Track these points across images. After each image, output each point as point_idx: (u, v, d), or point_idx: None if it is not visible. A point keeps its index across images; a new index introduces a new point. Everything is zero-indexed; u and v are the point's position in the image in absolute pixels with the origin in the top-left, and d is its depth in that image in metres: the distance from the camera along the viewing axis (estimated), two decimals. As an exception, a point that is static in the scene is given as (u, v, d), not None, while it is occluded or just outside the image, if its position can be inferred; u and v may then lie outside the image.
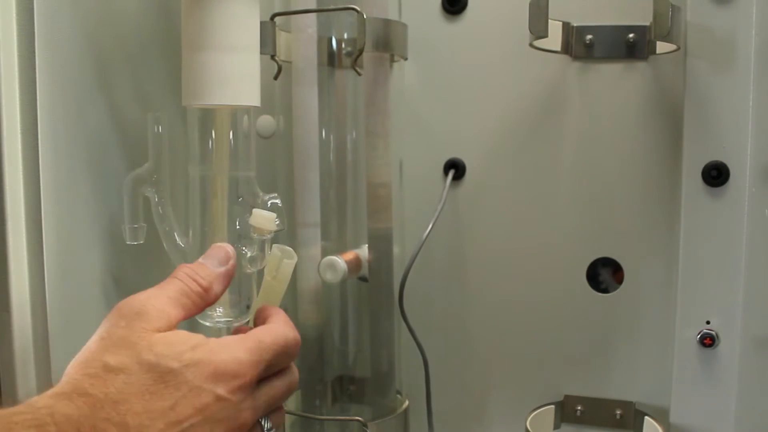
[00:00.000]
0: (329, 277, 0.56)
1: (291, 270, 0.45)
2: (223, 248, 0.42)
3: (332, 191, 0.61)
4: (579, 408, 0.64)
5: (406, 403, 0.61)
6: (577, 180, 0.63)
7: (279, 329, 0.41)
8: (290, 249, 0.47)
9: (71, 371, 0.35)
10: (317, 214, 0.58)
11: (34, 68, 0.40)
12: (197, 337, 0.37)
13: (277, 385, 0.41)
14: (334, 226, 0.61)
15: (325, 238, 0.59)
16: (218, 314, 0.46)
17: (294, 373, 0.43)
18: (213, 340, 0.37)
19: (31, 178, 0.41)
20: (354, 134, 0.61)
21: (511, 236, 0.65)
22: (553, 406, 0.64)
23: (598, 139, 0.62)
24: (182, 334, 0.37)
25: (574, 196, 0.63)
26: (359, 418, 0.57)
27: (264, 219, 0.44)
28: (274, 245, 0.46)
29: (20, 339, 0.41)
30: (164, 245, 0.47)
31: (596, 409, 0.63)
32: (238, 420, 0.37)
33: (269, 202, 0.46)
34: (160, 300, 0.37)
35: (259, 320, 0.43)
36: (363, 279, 0.61)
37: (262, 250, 0.45)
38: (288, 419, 0.59)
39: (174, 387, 0.34)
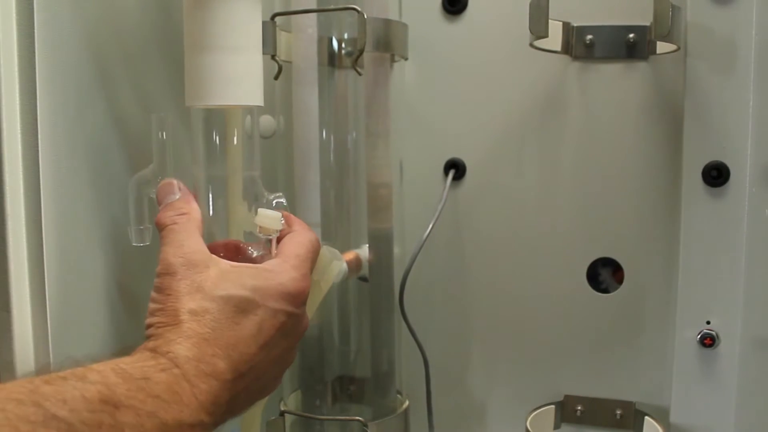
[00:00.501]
0: (330, 276, 0.55)
1: (338, 271, 0.48)
2: (166, 184, 0.44)
3: (332, 191, 0.60)
4: (579, 408, 0.64)
5: (407, 403, 0.61)
6: (577, 180, 0.63)
7: (303, 238, 0.44)
8: (337, 251, 0.48)
9: (160, 327, 0.37)
10: (317, 214, 0.57)
11: (34, 68, 0.40)
12: (249, 267, 0.41)
13: None
14: (335, 226, 0.60)
15: (326, 238, 0.59)
16: None
17: None
18: (263, 267, 0.41)
19: (31, 179, 0.41)
20: (354, 134, 0.61)
21: (511, 236, 0.65)
22: (553, 406, 0.64)
23: (598, 139, 0.62)
24: (235, 267, 0.40)
25: (575, 196, 0.63)
26: (359, 418, 0.57)
27: (269, 218, 0.45)
28: (323, 247, 0.47)
29: (20, 339, 0.40)
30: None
31: (596, 409, 0.63)
32: (302, 326, 0.43)
33: (274, 202, 0.47)
34: (186, 245, 0.40)
35: (284, 232, 0.45)
36: (363, 279, 0.60)
37: (267, 249, 0.46)
38: (288, 419, 0.59)
39: (253, 313, 0.38)
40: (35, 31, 0.40)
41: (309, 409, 0.60)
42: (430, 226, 0.59)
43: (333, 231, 0.60)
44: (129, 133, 0.49)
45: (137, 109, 0.50)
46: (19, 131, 0.40)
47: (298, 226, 0.45)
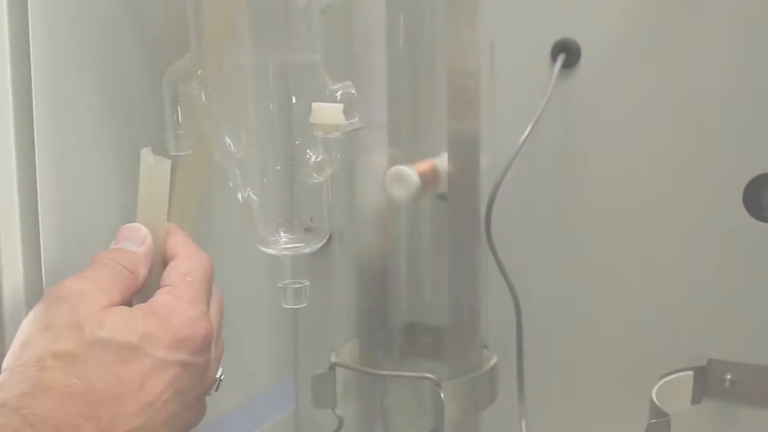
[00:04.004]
0: (397, 192, 0.54)
1: (168, 171, 0.42)
2: (136, 229, 0.41)
3: (403, 82, 0.57)
4: (728, 377, 0.57)
5: (494, 359, 0.58)
6: (734, 72, 0.54)
7: (192, 263, 0.40)
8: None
9: (16, 369, 0.34)
10: (383, 111, 0.55)
11: (29, 58, 0.39)
12: (142, 308, 0.37)
13: (215, 318, 0.41)
14: (405, 128, 0.57)
15: (393, 142, 0.56)
16: (284, 240, 0.44)
17: (217, 294, 0.43)
18: (154, 307, 0.37)
19: (28, 177, 0.41)
20: (431, 7, 0.56)
21: (639, 145, 0.58)
22: (691, 373, 0.57)
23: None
24: (126, 308, 0.37)
25: (728, 94, 0.55)
26: (430, 375, 0.53)
27: (329, 112, 0.41)
28: (142, 150, 0.41)
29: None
30: (215, 156, 0.44)
31: (750, 378, 0.56)
32: (206, 379, 0.39)
33: (339, 93, 0.42)
34: (98, 281, 0.38)
35: (168, 254, 0.42)
36: (441, 197, 0.57)
37: (329, 152, 0.42)
38: (341, 373, 0.56)
39: (137, 364, 0.35)
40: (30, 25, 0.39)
41: (368, 362, 0.58)
42: (529, 127, 0.54)
43: (403, 134, 0.57)
44: (134, 114, 0.47)
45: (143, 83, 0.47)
46: (12, 125, 0.39)
47: (185, 249, 0.41)
